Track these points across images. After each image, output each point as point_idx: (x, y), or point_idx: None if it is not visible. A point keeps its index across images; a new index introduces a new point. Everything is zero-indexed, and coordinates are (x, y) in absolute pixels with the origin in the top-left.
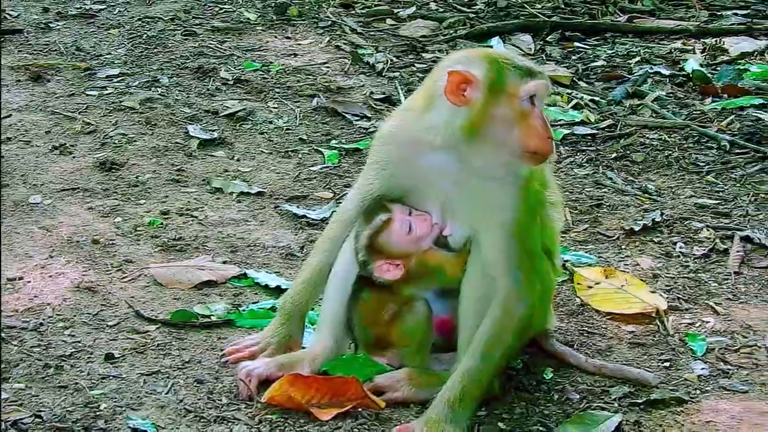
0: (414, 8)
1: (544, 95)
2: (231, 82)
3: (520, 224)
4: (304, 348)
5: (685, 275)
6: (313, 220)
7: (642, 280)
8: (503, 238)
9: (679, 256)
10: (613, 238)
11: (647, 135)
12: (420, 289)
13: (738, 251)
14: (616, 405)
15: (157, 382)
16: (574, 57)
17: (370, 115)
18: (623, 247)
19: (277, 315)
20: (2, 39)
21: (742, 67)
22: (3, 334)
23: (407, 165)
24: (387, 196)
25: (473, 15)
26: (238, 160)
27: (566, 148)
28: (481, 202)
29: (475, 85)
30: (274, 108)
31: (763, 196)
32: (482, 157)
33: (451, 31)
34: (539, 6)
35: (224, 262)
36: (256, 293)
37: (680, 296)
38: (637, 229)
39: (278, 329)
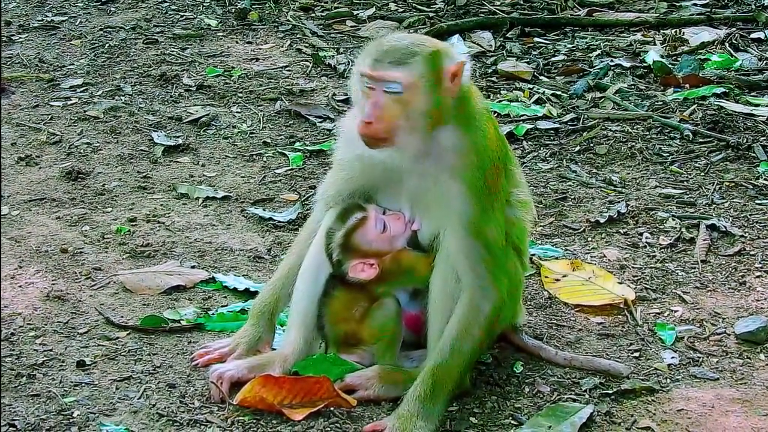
0: (373, 9)
1: (376, 82)
2: (194, 89)
3: (474, 220)
4: (274, 349)
5: (652, 265)
6: (279, 222)
7: (609, 271)
8: (461, 234)
9: (645, 247)
10: (579, 230)
11: (610, 127)
12: (393, 288)
13: (704, 240)
14: (587, 396)
15: (130, 387)
16: (534, 52)
17: (333, 117)
18: (589, 239)
19: (248, 317)
20: None
21: (702, 57)
22: None
23: (362, 161)
24: (354, 194)
25: (433, 14)
26: (203, 165)
27: (529, 142)
28: (436, 199)
29: None
30: (238, 113)
31: (727, 184)
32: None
33: (411, 31)
34: (498, 3)
35: (192, 267)
36: (225, 297)
37: (648, 286)
38: (602, 220)
39: (248, 331)
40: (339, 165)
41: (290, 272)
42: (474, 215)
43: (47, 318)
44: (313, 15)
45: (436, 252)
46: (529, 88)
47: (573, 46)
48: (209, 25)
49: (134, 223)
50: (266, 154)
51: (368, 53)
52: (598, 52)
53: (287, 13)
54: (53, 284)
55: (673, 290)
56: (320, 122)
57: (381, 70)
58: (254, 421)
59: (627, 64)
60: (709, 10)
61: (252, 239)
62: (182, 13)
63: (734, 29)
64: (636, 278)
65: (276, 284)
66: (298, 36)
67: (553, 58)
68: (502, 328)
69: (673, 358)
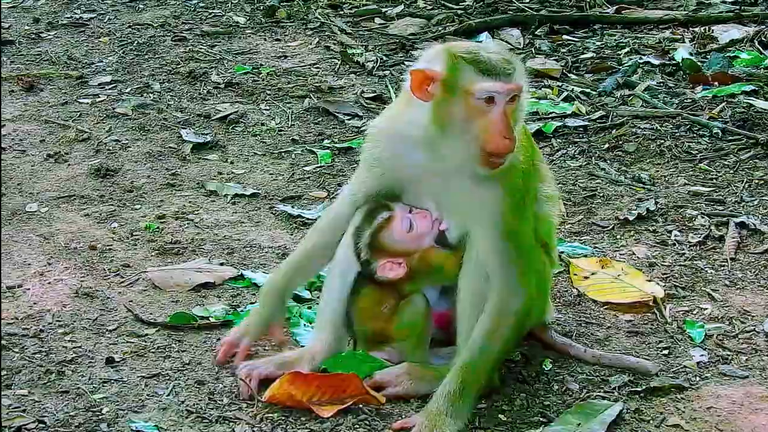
0: (402, 6)
1: (506, 96)
2: (222, 86)
3: (508, 220)
4: (302, 346)
5: (681, 263)
6: (308, 219)
7: (638, 269)
8: (493, 235)
9: (674, 244)
10: (608, 228)
11: (639, 125)
12: (421, 286)
13: (733, 237)
14: (616, 394)
15: (158, 384)
16: (563, 50)
17: (361, 114)
18: (618, 236)
19: (258, 298)
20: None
21: (731, 55)
22: (5, 342)
23: (395, 161)
24: (382, 194)
25: (461, 11)
26: (231, 162)
27: (558, 140)
28: (467, 199)
29: (435, 81)
30: (266, 110)
31: (756, 182)
32: (453, 153)
33: (440, 28)
34: (527, 0)
35: (221, 264)
36: (253, 294)
37: (677, 284)
38: (631, 218)
39: (257, 312)
40: (371, 164)
41: (303, 257)
42: (508, 216)
43: (76, 315)
44: (341, 12)
45: (464, 250)
46: (557, 86)
47: (602, 44)
48: (237, 22)
49: (163, 220)
50: (295, 152)
51: (478, 69)
52: (627, 49)
53: (315, 10)
54: (82, 281)
55: (702, 288)
56: (349, 119)
57: (511, 81)
58: (283, 417)
59: (656, 62)
60: (738, 7)
61: (280, 236)
62: (210, 11)
63: (763, 27)
64: (665, 276)
65: (287, 266)
66: (326, 33)
67: (582, 56)
68: (530, 325)
69: (702, 355)
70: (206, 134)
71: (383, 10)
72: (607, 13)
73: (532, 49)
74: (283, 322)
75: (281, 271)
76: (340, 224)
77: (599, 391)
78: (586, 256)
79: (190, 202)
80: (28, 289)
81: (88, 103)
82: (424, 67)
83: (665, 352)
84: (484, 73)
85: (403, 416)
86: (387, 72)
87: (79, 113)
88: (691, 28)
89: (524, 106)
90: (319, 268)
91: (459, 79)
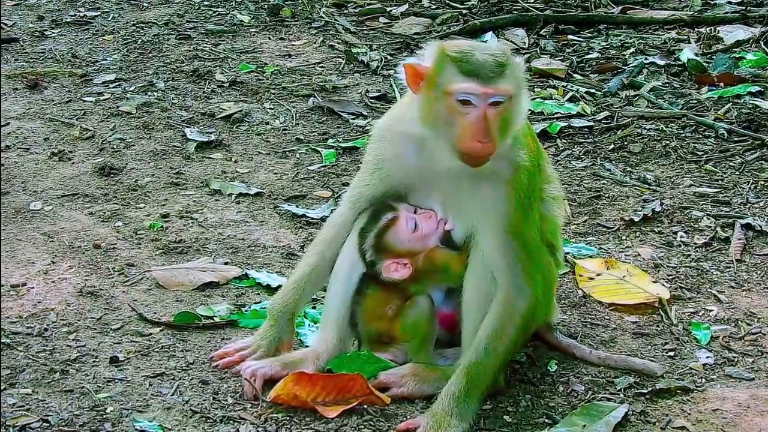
0: (407, 6)
1: (483, 100)
2: (226, 85)
3: (513, 220)
4: (307, 346)
5: (687, 264)
6: (312, 219)
7: (644, 270)
8: (498, 235)
9: (680, 246)
10: (614, 229)
11: (644, 125)
12: (426, 287)
13: (739, 239)
14: (621, 395)
15: (163, 383)
16: (568, 50)
17: (366, 113)
18: (624, 237)
19: (267, 317)
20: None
21: (737, 56)
22: (9, 340)
23: (399, 161)
24: (385, 195)
25: (466, 11)
26: (235, 161)
27: (563, 140)
28: (473, 199)
29: (423, 77)
30: (270, 109)
31: (762, 183)
32: (437, 150)
33: (445, 28)
34: (532, 0)
35: (225, 263)
36: (258, 293)
37: (683, 285)
38: (637, 219)
39: (268, 331)
40: (373, 165)
41: (312, 272)
42: (514, 216)
43: (80, 314)
44: (345, 11)
45: (469, 250)
46: (563, 86)
47: (607, 44)
48: (242, 21)
49: (167, 219)
50: (299, 151)
51: (459, 69)
52: (633, 50)
53: (320, 9)
54: (86, 280)
55: (708, 289)
56: (353, 119)
57: (490, 85)
58: (287, 418)
59: (661, 62)
60: (743, 8)
61: (285, 236)
62: (215, 9)
63: None
64: (671, 277)
65: (296, 283)
66: (330, 32)
67: (587, 56)
68: (536, 326)
69: (708, 357)
70: (210, 133)
71: (388, 9)
72: (613, 13)
73: (537, 49)
74: (293, 340)
75: (291, 289)
76: (344, 233)
77: (604, 393)
78: (591, 257)
79: (194, 201)
80: (32, 287)
81: (92, 102)
82: (414, 62)
83: (671, 353)
84: (464, 73)
85: (408, 417)
86: (391, 71)
87: (83, 111)
88: (696, 29)
89: (520, 110)
90: (325, 281)
91: (440, 77)
